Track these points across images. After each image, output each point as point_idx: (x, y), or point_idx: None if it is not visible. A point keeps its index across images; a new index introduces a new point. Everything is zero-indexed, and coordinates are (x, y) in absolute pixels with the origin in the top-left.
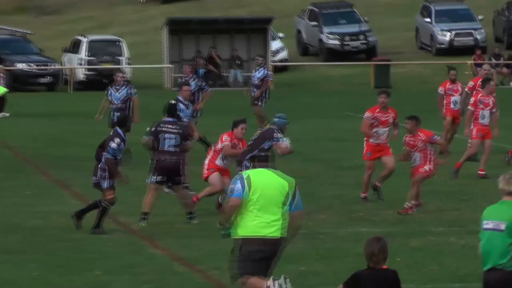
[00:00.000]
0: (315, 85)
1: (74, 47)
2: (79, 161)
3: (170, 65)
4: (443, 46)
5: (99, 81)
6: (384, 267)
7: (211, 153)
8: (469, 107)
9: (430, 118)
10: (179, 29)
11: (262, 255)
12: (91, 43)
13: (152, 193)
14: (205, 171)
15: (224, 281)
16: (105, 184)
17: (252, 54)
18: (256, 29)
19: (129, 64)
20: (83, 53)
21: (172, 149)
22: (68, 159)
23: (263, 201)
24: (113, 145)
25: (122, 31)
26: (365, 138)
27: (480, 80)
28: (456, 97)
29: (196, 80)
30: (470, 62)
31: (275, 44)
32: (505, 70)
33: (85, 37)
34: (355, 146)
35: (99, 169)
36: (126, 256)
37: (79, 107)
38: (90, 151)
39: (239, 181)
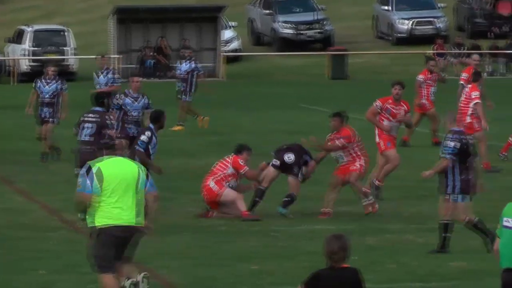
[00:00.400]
0: (269, 76)
1: (18, 37)
2: (23, 156)
3: (118, 56)
4: (402, 35)
5: (43, 73)
6: (345, 265)
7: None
8: (478, 100)
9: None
10: (127, 18)
11: (118, 241)
12: (35, 33)
13: None
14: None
15: (173, 280)
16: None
17: (203, 44)
18: (207, 18)
19: (75, 54)
20: (27, 43)
21: (87, 138)
22: (12, 153)
23: (117, 189)
24: (143, 137)
25: (68, 21)
26: (376, 133)
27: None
28: (434, 88)
29: (109, 73)
30: (430, 51)
31: (227, 34)
32: (467, 60)
33: (29, 26)
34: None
35: None
36: (71, 254)
37: (23, 99)
38: (35, 145)
39: (87, 177)
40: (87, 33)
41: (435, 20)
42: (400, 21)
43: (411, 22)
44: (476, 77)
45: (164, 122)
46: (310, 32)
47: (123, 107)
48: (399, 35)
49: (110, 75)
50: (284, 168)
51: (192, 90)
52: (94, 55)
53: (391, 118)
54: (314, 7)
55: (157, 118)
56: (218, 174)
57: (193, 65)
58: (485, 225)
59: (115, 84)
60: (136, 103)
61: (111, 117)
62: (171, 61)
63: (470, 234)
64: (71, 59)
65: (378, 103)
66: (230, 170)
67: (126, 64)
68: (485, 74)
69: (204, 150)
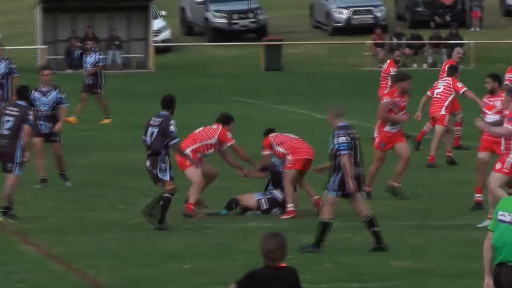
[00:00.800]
0: (200, 67)
1: None
2: None
3: (44, 46)
4: (339, 24)
5: None
6: (283, 265)
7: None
8: (465, 89)
9: (325, 102)
10: (54, 7)
11: None
12: None
13: (6, 183)
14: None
15: (102, 280)
16: (167, 176)
17: (132, 34)
18: (137, 6)
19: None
20: None
21: (6, 132)
22: None
23: None
24: (174, 128)
25: None
26: (377, 127)
27: (448, 65)
28: None
29: (5, 62)
30: (369, 42)
31: (157, 23)
32: (407, 50)
33: None
34: (243, 133)
35: (159, 161)
36: None
37: None
38: None
39: None
40: (13, 23)
41: (374, 9)
42: (338, 10)
43: (348, 11)
44: (452, 71)
45: (175, 108)
46: (243, 22)
47: (32, 102)
48: (336, 24)
49: (8, 65)
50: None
51: (103, 82)
52: (20, 46)
53: (400, 112)
54: None
55: (170, 104)
56: (200, 142)
57: (97, 57)
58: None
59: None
60: (45, 97)
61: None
62: (100, 52)
63: (412, 232)
64: None
65: (387, 99)
66: (214, 140)
67: (53, 55)
68: (425, 65)
69: (132, 144)
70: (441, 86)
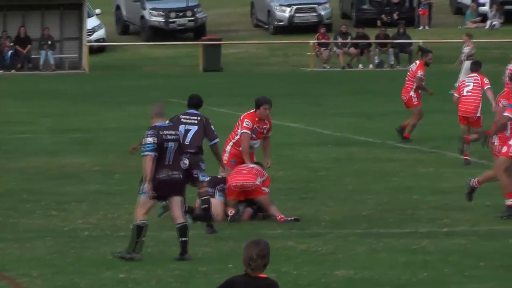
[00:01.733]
0: (136, 67)
1: None
2: None
3: None
4: (281, 23)
5: None
6: (263, 275)
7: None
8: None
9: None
10: None
11: None
12: None
13: None
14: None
15: None
16: (205, 177)
17: (65, 33)
18: (70, 4)
19: None
20: None
21: None
22: None
23: None
24: (213, 128)
25: None
26: (496, 135)
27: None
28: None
29: None
30: (313, 41)
31: (91, 22)
32: (352, 50)
33: None
34: None
35: (201, 161)
36: None
37: None
38: None
39: None
40: None
41: (318, 7)
42: (280, 8)
43: (291, 9)
44: (477, 67)
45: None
46: (181, 20)
47: None
48: (278, 23)
49: None
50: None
51: None
52: None
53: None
54: None
55: (201, 102)
56: (234, 138)
57: None
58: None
59: None
60: None
61: None
62: (33, 52)
63: (357, 241)
64: None
65: (249, 123)
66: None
67: None
68: (370, 66)
69: (65, 148)
70: (470, 83)
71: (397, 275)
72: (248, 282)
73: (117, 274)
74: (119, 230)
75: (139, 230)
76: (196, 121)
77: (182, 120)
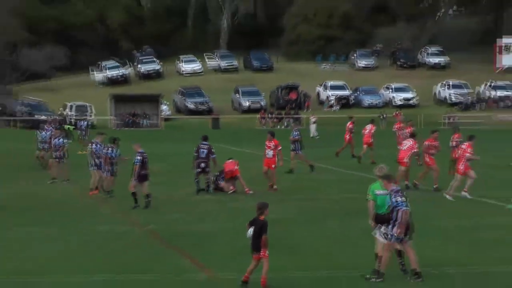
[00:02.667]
0: (182, 127)
1: None
2: None
3: None
4: (245, 107)
5: None
6: (262, 218)
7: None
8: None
9: None
10: None
11: None
12: None
13: None
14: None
15: None
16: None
17: (153, 111)
18: (154, 97)
19: None
20: None
21: None
22: None
23: None
24: (213, 150)
25: None
26: None
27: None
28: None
29: None
30: (258, 116)
31: (163, 107)
32: (275, 120)
33: None
34: None
35: (208, 165)
36: None
37: None
38: None
39: None
40: None
41: (260, 100)
42: (243, 100)
43: (249, 101)
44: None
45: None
46: (202, 106)
47: None
48: (243, 108)
49: None
50: None
51: None
52: None
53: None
54: None
55: (207, 138)
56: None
57: None
58: None
59: None
60: None
61: None
62: (139, 120)
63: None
64: None
65: None
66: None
67: None
68: (282, 126)
69: None
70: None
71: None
72: (256, 219)
73: None
74: None
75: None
76: (206, 147)
77: (200, 146)
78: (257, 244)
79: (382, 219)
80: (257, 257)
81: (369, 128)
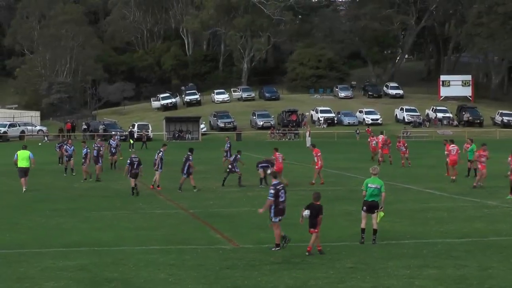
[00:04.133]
0: (217, 140)
1: None
2: None
3: None
4: (259, 125)
5: None
6: (318, 203)
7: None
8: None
9: None
10: None
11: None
12: None
13: None
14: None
15: None
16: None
17: (194, 129)
18: (195, 118)
19: None
20: None
21: None
22: None
23: None
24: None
25: None
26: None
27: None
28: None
29: None
30: (269, 132)
31: (201, 126)
32: (280, 134)
33: None
34: None
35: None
36: None
37: None
38: None
39: None
40: None
41: (270, 120)
42: (259, 120)
43: (262, 121)
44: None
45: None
46: (230, 125)
47: None
48: (258, 125)
49: None
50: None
51: None
52: None
53: None
54: None
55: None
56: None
57: None
58: None
59: None
60: None
61: None
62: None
63: None
64: None
65: None
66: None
67: None
68: (286, 139)
69: None
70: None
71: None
72: (313, 204)
73: None
74: None
75: None
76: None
77: (236, 155)
78: (313, 222)
79: (369, 205)
80: (313, 231)
81: (380, 138)
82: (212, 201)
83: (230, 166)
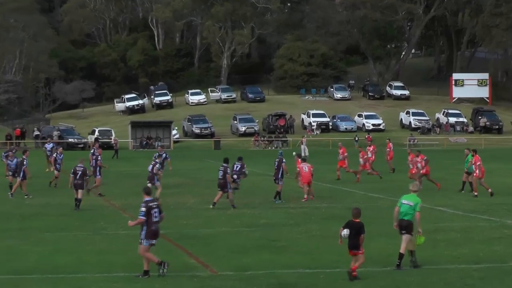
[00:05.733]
0: (189, 147)
1: None
2: None
3: None
4: (241, 132)
5: None
6: (358, 220)
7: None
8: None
9: None
10: None
11: None
12: None
13: None
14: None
15: None
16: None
17: (165, 135)
18: (166, 123)
19: None
20: None
21: None
22: None
23: None
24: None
25: None
26: None
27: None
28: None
29: None
30: (252, 139)
31: (173, 132)
32: (266, 142)
33: None
34: None
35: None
36: None
37: None
38: None
39: None
40: None
41: (254, 125)
42: (240, 126)
43: (245, 126)
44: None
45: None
46: (206, 131)
47: None
48: (240, 132)
49: None
50: None
51: None
52: None
53: None
54: None
55: (227, 161)
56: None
57: None
58: None
59: None
60: None
61: None
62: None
63: None
64: None
65: None
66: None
67: None
68: (273, 147)
69: None
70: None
71: None
72: (352, 222)
73: None
74: None
75: None
76: (222, 168)
77: (219, 168)
78: (354, 243)
79: (399, 224)
80: (354, 254)
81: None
82: (186, 220)
83: (235, 176)
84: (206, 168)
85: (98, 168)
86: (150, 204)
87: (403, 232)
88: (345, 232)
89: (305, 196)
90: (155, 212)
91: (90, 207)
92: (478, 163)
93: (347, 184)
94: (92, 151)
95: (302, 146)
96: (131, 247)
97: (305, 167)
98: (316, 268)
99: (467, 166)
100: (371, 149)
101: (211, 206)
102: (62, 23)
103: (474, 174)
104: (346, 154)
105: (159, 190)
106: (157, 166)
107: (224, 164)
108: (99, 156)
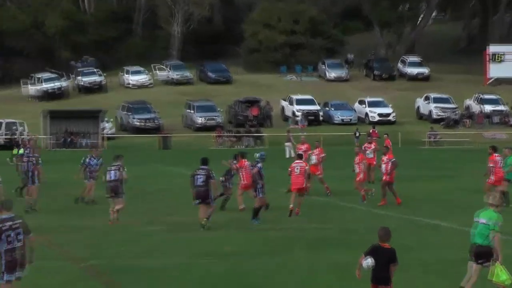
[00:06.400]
0: (127, 147)
1: None
2: None
3: None
4: (198, 125)
5: None
6: (387, 245)
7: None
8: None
9: None
10: None
11: None
12: None
13: None
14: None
15: None
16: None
17: (93, 130)
18: (95, 113)
19: None
20: None
21: None
22: None
23: None
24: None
25: None
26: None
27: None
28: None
29: None
30: (214, 134)
31: (106, 125)
32: (232, 139)
33: None
34: None
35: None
36: None
37: None
38: None
39: None
40: None
41: (216, 116)
42: (197, 117)
43: (204, 118)
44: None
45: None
46: (150, 124)
47: None
48: (197, 125)
49: None
50: None
51: None
52: None
53: None
54: None
55: (206, 162)
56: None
57: None
58: None
59: None
60: None
61: None
62: (78, 141)
63: None
64: None
65: None
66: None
67: None
68: (242, 146)
69: None
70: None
71: None
72: (379, 248)
73: None
74: None
75: None
76: (203, 172)
77: (196, 172)
78: (382, 275)
79: (473, 251)
80: None
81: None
82: (124, 246)
83: (222, 179)
84: (151, 176)
85: (35, 174)
86: (1, 225)
87: (480, 262)
88: (370, 261)
89: (291, 205)
90: (9, 236)
91: None
92: None
93: (344, 197)
94: (27, 151)
95: (287, 144)
96: (49, 284)
97: (297, 168)
98: None
99: (507, 171)
100: (372, 147)
101: (201, 230)
102: None
103: None
104: (323, 155)
105: (121, 205)
106: (125, 170)
107: (204, 167)
108: (39, 159)
